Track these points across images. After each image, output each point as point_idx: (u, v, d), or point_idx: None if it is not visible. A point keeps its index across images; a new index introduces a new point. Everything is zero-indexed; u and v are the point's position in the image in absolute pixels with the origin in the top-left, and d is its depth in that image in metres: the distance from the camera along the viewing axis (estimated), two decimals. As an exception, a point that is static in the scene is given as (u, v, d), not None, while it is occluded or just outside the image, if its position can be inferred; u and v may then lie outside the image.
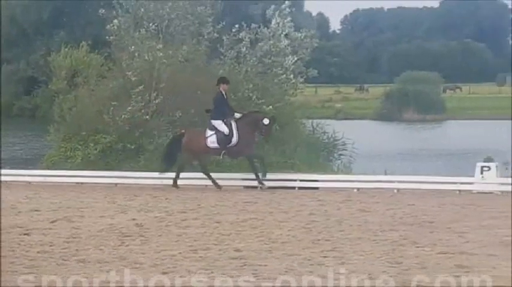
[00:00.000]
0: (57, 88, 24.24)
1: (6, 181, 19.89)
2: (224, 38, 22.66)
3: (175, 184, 18.97)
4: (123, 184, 19.80)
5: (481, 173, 18.36)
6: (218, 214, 14.80)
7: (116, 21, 22.55)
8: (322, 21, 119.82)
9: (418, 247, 11.33)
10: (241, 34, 22.51)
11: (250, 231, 12.76)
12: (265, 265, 10.12)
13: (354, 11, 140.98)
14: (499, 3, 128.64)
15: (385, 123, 61.72)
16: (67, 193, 18.28)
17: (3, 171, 20.72)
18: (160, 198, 17.21)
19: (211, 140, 18.80)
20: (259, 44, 22.74)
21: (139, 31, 22.59)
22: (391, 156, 33.92)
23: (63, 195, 17.77)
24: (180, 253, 10.99)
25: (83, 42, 25.52)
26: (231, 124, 18.74)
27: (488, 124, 54.81)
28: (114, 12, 22.94)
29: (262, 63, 22.65)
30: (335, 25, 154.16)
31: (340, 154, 24.55)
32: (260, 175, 18.68)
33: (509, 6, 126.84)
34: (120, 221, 13.91)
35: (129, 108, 21.62)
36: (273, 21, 22.92)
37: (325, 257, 10.66)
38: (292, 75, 22.75)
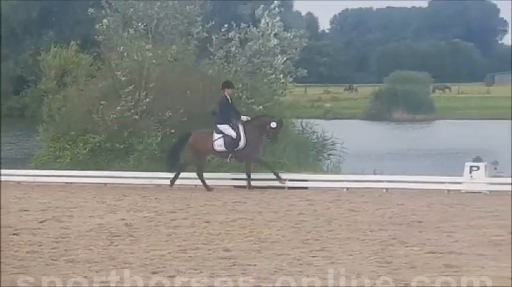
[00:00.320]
0: (47, 88, 24.24)
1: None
2: (213, 37, 22.66)
3: (172, 183, 18.98)
4: (113, 183, 19.79)
5: (470, 172, 18.41)
6: (207, 213, 14.82)
7: (105, 20, 22.52)
8: (311, 21, 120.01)
9: (407, 246, 11.36)
10: (230, 34, 22.54)
11: (239, 231, 12.79)
12: (255, 265, 10.15)
13: (343, 10, 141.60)
14: (487, 4, 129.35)
15: (374, 123, 61.92)
16: (56, 192, 18.25)
17: None
18: (149, 198, 17.21)
19: (219, 143, 18.84)
20: (249, 43, 22.76)
21: (129, 31, 22.56)
22: (380, 156, 34.01)
23: (52, 195, 17.75)
24: (169, 252, 11.00)
25: (72, 42, 25.49)
26: (238, 128, 18.80)
27: (477, 124, 55.13)
28: (103, 11, 22.92)
29: (251, 63, 22.66)
30: (324, 25, 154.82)
31: (330, 154, 24.56)
32: (275, 175, 18.72)
33: (497, 7, 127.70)
34: (109, 221, 13.91)
35: (118, 108, 21.61)
36: (262, 21, 22.93)
37: (314, 257, 10.68)
38: (281, 75, 22.78)
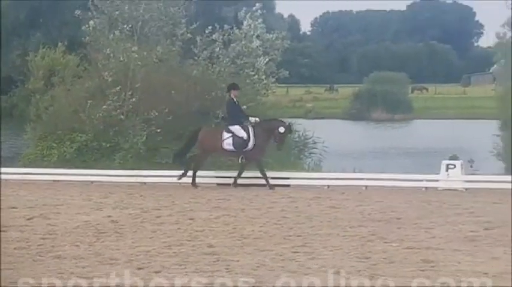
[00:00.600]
0: (34, 88, 24.20)
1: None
2: (198, 39, 22.69)
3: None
4: (99, 181, 19.81)
5: (447, 170, 18.59)
6: (192, 210, 14.92)
7: (91, 22, 22.57)
8: (293, 23, 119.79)
9: (386, 242, 11.53)
10: (214, 35, 22.60)
11: (223, 227, 12.91)
12: (238, 261, 10.27)
13: (324, 13, 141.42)
14: (463, 7, 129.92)
15: (354, 123, 62.04)
16: (43, 190, 18.27)
17: None
18: (135, 195, 17.30)
19: (228, 143, 18.93)
20: (232, 45, 22.84)
21: (114, 32, 22.59)
22: (360, 154, 34.20)
23: (39, 193, 17.77)
24: (154, 248, 11.11)
25: (60, 43, 25.53)
26: (248, 129, 18.94)
27: (454, 123, 55.41)
28: (90, 13, 22.90)
29: (235, 64, 22.73)
30: (306, 27, 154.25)
31: (311, 153, 24.57)
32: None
33: (473, 10, 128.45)
34: (95, 218, 14.00)
35: (104, 106, 21.71)
36: (245, 23, 22.97)
37: (296, 252, 10.82)
38: (264, 76, 22.87)
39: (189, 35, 22.94)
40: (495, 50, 28.17)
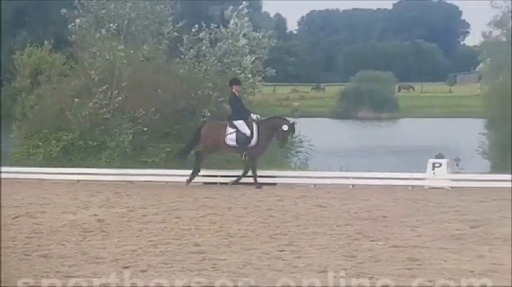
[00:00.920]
0: (21, 86, 24.14)
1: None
2: (184, 37, 22.69)
3: (191, 179, 19.05)
4: (85, 180, 19.83)
5: (433, 169, 18.70)
6: (178, 209, 14.94)
7: (77, 21, 22.54)
8: (279, 22, 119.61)
9: (372, 240, 11.57)
10: (201, 34, 22.59)
11: (209, 226, 12.93)
12: (224, 259, 10.29)
13: (311, 12, 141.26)
14: (450, 6, 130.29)
15: (340, 121, 62.16)
16: (30, 189, 18.24)
17: None
18: (121, 194, 17.31)
19: (231, 138, 18.91)
20: (219, 43, 22.83)
21: (101, 31, 22.59)
22: (347, 153, 34.23)
23: (25, 191, 17.75)
24: (140, 247, 11.12)
25: (47, 42, 25.47)
26: (252, 125, 18.94)
27: (440, 122, 55.56)
28: (76, 12, 22.88)
29: (221, 63, 22.73)
30: (292, 26, 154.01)
31: (297, 151, 24.65)
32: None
33: (459, 9, 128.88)
34: (82, 216, 14.01)
35: (91, 104, 21.70)
36: (232, 22, 22.98)
37: (282, 251, 10.85)
38: (250, 75, 22.85)
39: (175, 33, 22.97)
40: (481, 48, 28.24)
